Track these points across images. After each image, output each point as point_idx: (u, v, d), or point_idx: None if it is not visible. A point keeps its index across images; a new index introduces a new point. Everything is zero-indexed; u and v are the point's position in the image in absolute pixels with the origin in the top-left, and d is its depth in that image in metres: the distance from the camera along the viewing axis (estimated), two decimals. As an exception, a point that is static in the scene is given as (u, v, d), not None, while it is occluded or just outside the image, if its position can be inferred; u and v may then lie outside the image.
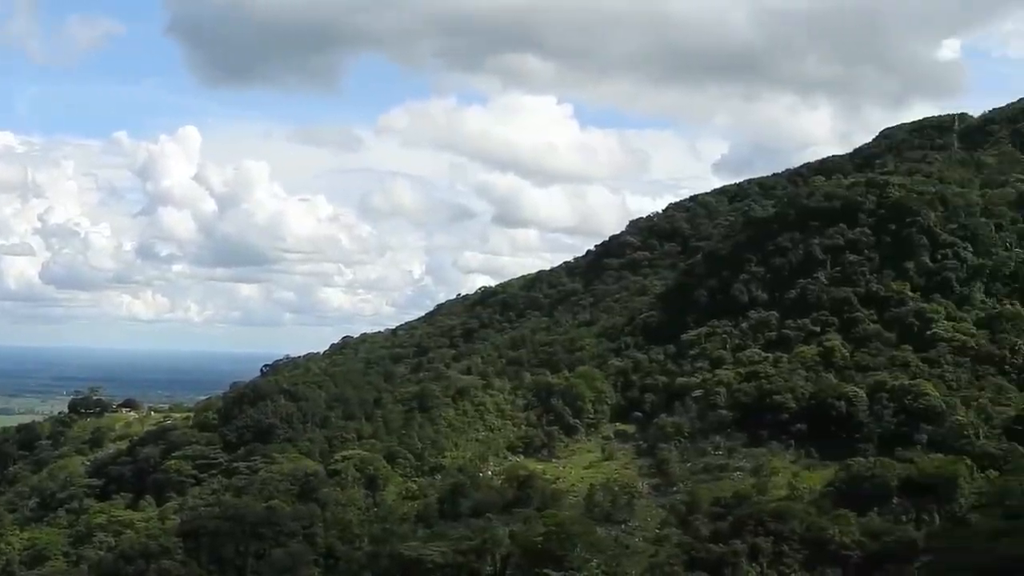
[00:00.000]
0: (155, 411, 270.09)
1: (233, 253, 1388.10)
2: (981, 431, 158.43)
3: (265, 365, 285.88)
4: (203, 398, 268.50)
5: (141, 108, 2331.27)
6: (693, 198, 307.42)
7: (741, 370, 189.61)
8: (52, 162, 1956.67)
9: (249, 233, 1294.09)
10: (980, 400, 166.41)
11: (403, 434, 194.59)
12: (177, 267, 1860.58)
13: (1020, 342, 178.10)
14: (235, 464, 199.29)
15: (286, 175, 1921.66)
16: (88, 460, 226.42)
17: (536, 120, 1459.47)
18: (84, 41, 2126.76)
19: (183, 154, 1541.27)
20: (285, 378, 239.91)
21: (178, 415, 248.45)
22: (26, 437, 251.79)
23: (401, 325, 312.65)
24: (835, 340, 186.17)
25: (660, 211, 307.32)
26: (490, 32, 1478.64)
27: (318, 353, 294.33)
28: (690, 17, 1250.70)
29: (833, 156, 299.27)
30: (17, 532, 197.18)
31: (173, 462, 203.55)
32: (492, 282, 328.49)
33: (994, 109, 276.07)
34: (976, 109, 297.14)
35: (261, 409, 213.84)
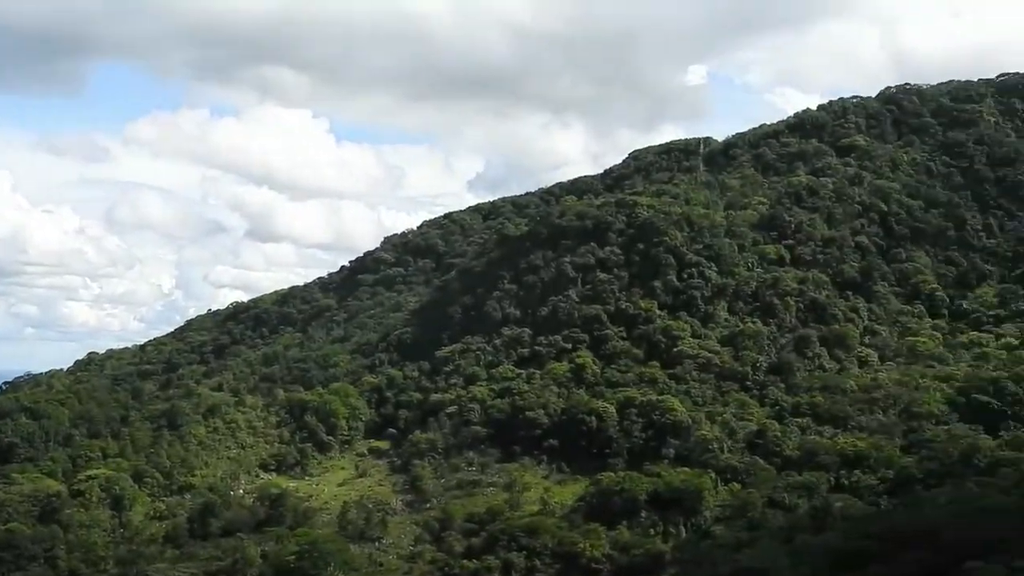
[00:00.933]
0: None
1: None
2: (725, 445, 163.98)
3: (4, 382, 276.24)
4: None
5: None
6: (448, 215, 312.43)
7: (495, 386, 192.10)
8: None
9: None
10: (724, 415, 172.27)
11: (151, 453, 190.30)
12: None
13: (761, 359, 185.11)
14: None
15: (29, 185, 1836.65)
16: None
17: (291, 134, 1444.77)
18: None
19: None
20: (26, 396, 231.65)
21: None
22: None
23: (150, 341, 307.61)
24: (586, 357, 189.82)
25: (415, 228, 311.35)
26: (244, 44, 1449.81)
27: (62, 369, 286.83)
28: (446, 34, 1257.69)
29: (584, 176, 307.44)
30: None
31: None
32: (245, 297, 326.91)
33: (737, 134, 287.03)
34: (720, 133, 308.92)
35: (1, 427, 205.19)
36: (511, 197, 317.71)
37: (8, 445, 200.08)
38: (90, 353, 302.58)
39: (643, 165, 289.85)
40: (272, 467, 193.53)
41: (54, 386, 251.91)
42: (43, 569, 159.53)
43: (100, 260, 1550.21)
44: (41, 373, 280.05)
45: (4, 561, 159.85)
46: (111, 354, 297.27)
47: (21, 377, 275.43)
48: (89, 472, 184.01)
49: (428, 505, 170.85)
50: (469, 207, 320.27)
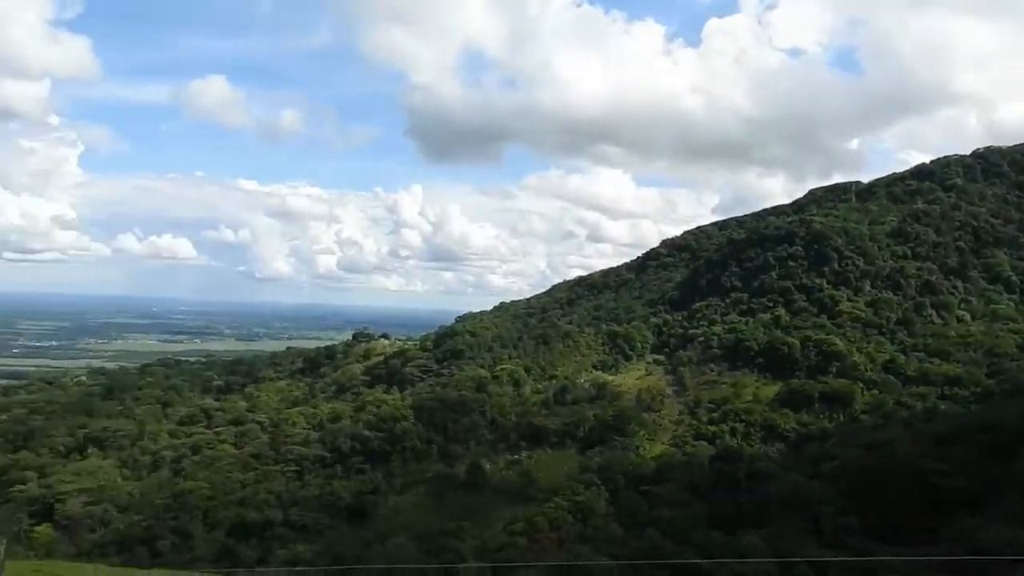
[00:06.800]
0: (399, 340, 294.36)
1: (439, 252, 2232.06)
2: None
3: (458, 316, 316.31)
4: (424, 334, 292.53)
5: (390, 175, 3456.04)
6: (698, 228, 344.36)
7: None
8: (342, 204, 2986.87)
9: (445, 242, 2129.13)
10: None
11: (534, 357, 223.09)
12: (410, 261, 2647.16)
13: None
14: (442, 371, 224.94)
15: (469, 213, 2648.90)
16: (362, 366, 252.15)
17: (611, 183, 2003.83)
18: (359, 138, 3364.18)
19: (413, 200, 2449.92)
20: (469, 324, 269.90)
21: (411, 344, 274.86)
22: (328, 352, 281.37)
23: (532, 296, 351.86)
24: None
25: (679, 235, 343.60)
26: (585, 130, 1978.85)
27: (487, 310, 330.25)
28: (698, 119, 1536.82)
29: (780, 205, 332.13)
30: (323, 405, 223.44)
31: (408, 368, 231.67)
32: (584, 273, 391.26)
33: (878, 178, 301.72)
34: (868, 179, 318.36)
35: (456, 340, 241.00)
36: (736, 217, 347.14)
37: (459, 350, 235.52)
38: (501, 302, 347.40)
39: (815, 198, 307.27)
40: (598, 368, 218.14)
41: (483, 319, 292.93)
42: (478, 417, 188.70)
43: (506, 252, 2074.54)
44: (476, 312, 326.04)
45: (458, 411, 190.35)
46: (512, 304, 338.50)
47: (464, 315, 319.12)
48: (502, 366, 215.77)
49: (687, 393, 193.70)
50: (711, 223, 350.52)
